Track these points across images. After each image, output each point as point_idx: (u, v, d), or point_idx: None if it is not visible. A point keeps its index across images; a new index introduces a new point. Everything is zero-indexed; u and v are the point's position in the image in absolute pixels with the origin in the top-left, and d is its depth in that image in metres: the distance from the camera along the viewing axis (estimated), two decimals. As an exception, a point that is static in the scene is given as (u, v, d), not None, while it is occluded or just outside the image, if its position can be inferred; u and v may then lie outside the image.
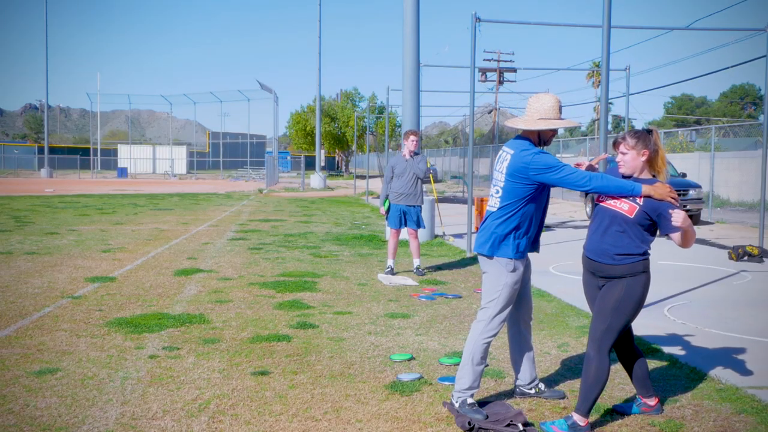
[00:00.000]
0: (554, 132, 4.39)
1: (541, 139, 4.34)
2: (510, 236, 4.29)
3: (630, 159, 4.12)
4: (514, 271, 4.31)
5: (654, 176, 4.16)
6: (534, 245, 4.46)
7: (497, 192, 4.35)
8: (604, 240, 4.10)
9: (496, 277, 4.32)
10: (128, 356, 5.44)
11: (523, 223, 4.30)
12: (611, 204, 4.11)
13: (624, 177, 4.17)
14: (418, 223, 9.67)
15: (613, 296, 4.06)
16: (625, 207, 4.05)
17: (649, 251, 4.09)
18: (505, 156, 4.33)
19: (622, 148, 4.14)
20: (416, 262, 9.74)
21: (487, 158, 30.54)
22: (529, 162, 4.18)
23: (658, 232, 4.10)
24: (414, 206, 9.60)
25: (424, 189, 16.38)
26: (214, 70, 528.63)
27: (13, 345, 5.73)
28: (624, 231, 4.04)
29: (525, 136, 4.37)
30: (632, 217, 4.01)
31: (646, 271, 4.08)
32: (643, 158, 4.11)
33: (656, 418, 4.27)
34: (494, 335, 4.34)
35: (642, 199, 4.02)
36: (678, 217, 3.87)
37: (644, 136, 4.11)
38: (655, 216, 4.00)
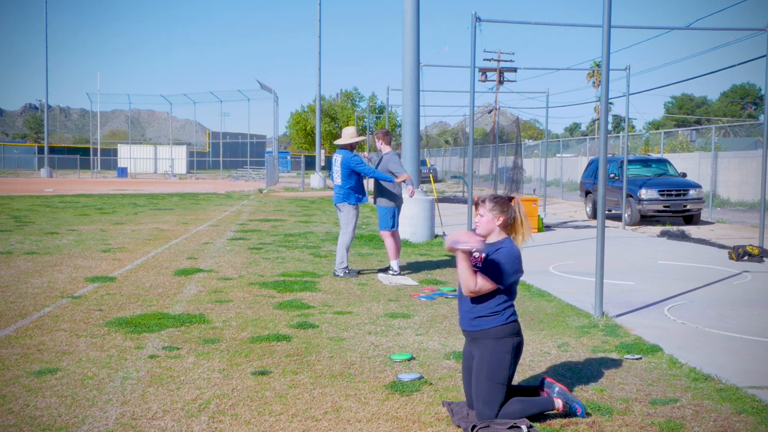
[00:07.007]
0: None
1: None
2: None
3: (485, 222, 4.25)
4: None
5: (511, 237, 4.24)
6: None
7: None
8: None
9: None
10: (128, 356, 5.44)
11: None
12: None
13: (480, 236, 4.21)
14: (381, 224, 9.53)
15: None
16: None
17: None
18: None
19: (480, 210, 4.29)
20: (391, 263, 9.52)
21: (487, 158, 30.53)
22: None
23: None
24: (377, 206, 9.62)
25: (424, 189, 16.36)
26: (214, 70, 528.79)
27: (13, 345, 5.73)
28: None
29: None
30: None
31: None
32: (498, 222, 4.22)
33: (656, 418, 4.27)
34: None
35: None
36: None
37: (503, 202, 4.24)
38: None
